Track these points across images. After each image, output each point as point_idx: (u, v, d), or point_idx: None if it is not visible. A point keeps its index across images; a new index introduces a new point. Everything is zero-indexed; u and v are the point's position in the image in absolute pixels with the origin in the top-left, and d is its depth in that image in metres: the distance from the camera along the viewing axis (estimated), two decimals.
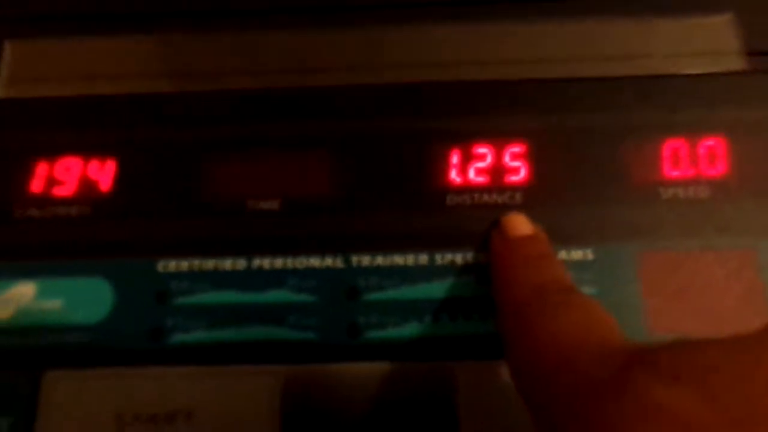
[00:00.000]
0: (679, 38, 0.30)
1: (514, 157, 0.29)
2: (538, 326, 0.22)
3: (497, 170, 0.29)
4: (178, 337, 0.26)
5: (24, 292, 0.27)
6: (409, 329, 0.26)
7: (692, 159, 0.28)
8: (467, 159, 0.29)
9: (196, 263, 0.27)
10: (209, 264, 0.27)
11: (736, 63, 0.30)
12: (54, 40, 0.32)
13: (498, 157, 0.29)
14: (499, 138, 0.29)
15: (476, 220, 0.28)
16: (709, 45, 0.30)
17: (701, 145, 0.28)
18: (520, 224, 0.27)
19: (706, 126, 0.29)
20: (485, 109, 0.29)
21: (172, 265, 0.27)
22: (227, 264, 0.27)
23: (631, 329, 0.25)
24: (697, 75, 0.29)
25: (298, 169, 0.28)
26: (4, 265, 0.27)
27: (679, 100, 0.29)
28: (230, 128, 0.29)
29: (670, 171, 0.28)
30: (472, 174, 0.29)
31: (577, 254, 0.27)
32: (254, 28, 0.31)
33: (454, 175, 0.29)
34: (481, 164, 0.29)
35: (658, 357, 0.18)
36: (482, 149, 0.29)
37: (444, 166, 0.29)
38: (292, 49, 0.30)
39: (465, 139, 0.29)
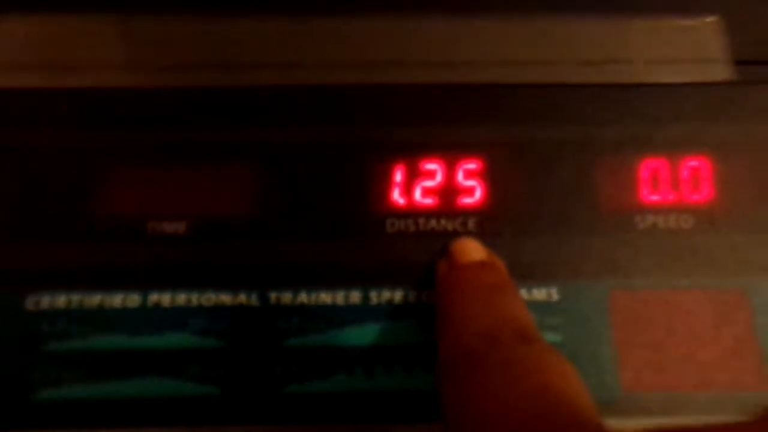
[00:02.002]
0: (661, 42, 0.27)
1: (468, 174, 0.25)
2: (482, 388, 0.17)
3: (448, 191, 0.24)
4: (49, 393, 0.21)
5: None
6: (337, 383, 0.22)
7: (673, 182, 0.24)
8: (413, 176, 0.24)
9: (76, 299, 0.22)
10: (93, 300, 0.22)
11: (723, 72, 0.26)
12: None
13: (449, 174, 0.24)
14: (451, 152, 0.24)
15: (420, 250, 0.23)
16: (693, 51, 0.26)
17: (684, 165, 0.25)
18: (472, 249, 0.22)
19: (689, 144, 0.25)
20: (436, 118, 0.25)
21: (44, 301, 0.22)
22: (116, 300, 0.22)
23: (603, 387, 0.22)
24: (681, 84, 0.25)
25: (210, 185, 0.24)
26: None
27: (660, 113, 0.25)
28: (128, 132, 0.24)
29: (649, 195, 0.24)
30: (418, 195, 0.24)
31: (539, 293, 0.23)
32: (169, 11, 0.25)
33: (396, 196, 0.24)
34: (429, 183, 0.24)
35: None
36: (431, 165, 0.25)
37: (385, 185, 0.24)
38: (214, 42, 0.25)
39: (411, 152, 0.24)
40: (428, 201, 0.24)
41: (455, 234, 0.23)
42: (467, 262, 0.22)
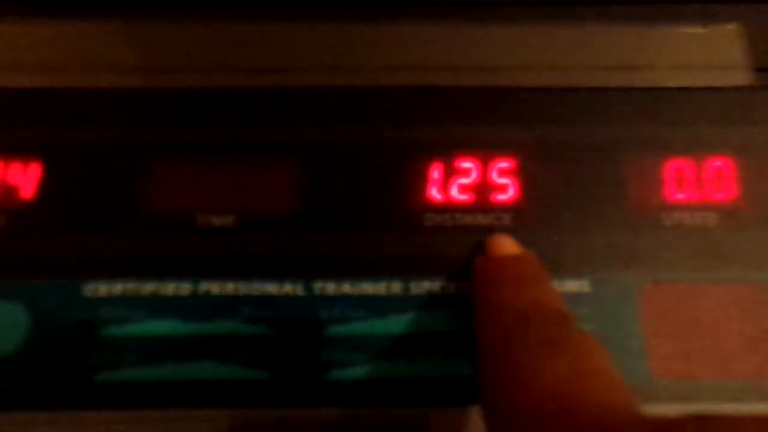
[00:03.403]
0: (683, 49, 0.28)
1: (502, 173, 0.26)
2: (518, 367, 0.18)
3: (483, 188, 0.25)
4: (106, 375, 0.22)
5: None
6: (378, 369, 0.23)
7: (698, 181, 0.26)
8: (449, 174, 0.26)
9: (131, 287, 0.23)
10: (147, 288, 0.23)
11: (743, 78, 0.28)
12: None
13: (484, 172, 0.26)
14: (485, 151, 0.26)
15: (458, 243, 0.24)
16: (715, 57, 0.28)
17: (708, 165, 0.26)
18: (507, 244, 0.24)
19: (712, 145, 0.26)
20: (472, 119, 0.26)
21: (101, 288, 0.23)
22: (169, 288, 0.23)
23: (633, 374, 0.23)
24: (704, 88, 0.26)
25: (258, 181, 0.25)
26: None
27: (684, 116, 0.26)
28: (180, 130, 0.25)
29: (674, 194, 0.25)
30: (454, 191, 0.25)
31: (571, 285, 0.24)
32: (222, 18, 0.27)
33: (434, 192, 0.25)
34: (465, 180, 0.26)
35: None
36: (467, 163, 0.26)
37: (423, 182, 0.25)
38: (260, 46, 0.26)
39: (448, 150, 0.26)
40: (464, 197, 0.25)
41: (490, 229, 0.25)
42: (502, 255, 0.23)
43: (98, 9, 0.27)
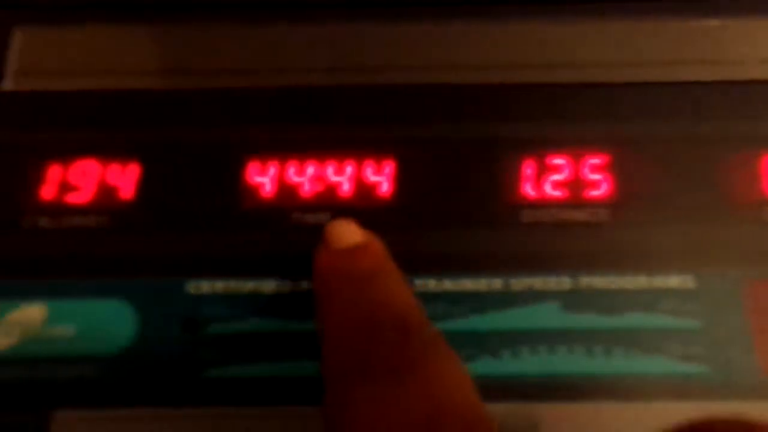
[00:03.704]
0: None
1: (595, 169, 0.25)
2: (366, 406, 0.16)
3: (576, 184, 0.25)
4: (213, 372, 0.23)
5: (32, 315, 0.23)
6: (485, 366, 0.23)
7: None
8: (542, 170, 0.25)
9: (232, 285, 0.24)
10: (248, 286, 0.24)
11: None
12: (69, 27, 0.28)
13: (576, 168, 0.25)
14: (578, 147, 0.25)
15: (555, 239, 0.24)
16: None
17: None
18: (348, 233, 0.21)
19: None
20: (564, 115, 0.26)
21: (204, 286, 0.24)
22: (269, 286, 0.24)
23: (741, 369, 0.22)
24: None
25: (353, 178, 0.25)
26: (10, 283, 0.23)
27: None
28: (277, 128, 0.25)
29: None
30: (548, 187, 0.25)
31: (674, 281, 0.23)
32: (316, 18, 0.27)
33: (528, 189, 0.25)
34: (557, 176, 0.25)
35: None
36: (559, 160, 0.25)
37: (517, 178, 0.25)
38: (356, 45, 0.26)
39: (540, 147, 0.25)
40: (558, 193, 0.25)
41: (587, 225, 0.24)
42: (341, 247, 0.21)
43: (186, 12, 0.28)
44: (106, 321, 0.23)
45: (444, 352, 0.18)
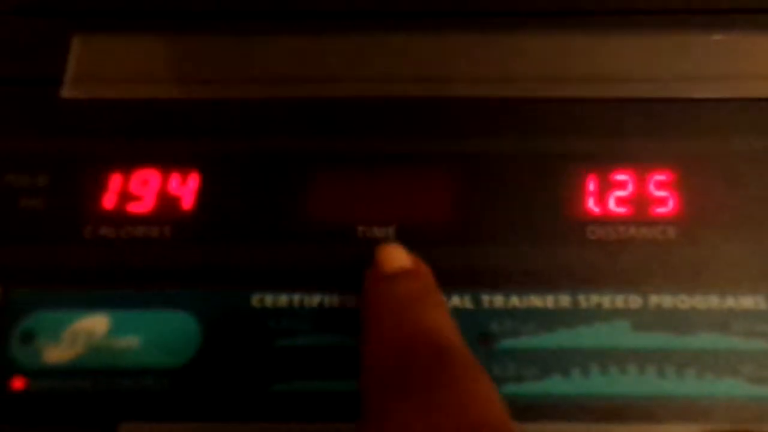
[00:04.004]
0: None
1: (660, 185, 0.25)
2: (399, 422, 0.17)
3: (640, 200, 0.25)
4: (278, 386, 0.22)
5: (95, 326, 0.23)
6: (552, 385, 0.22)
7: None
8: (605, 186, 0.25)
9: (297, 298, 0.23)
10: (313, 300, 0.23)
11: None
12: (129, 35, 0.28)
13: (641, 185, 0.25)
14: (642, 164, 0.25)
15: (623, 256, 0.24)
16: None
17: None
18: (397, 257, 0.22)
19: None
20: (628, 131, 0.26)
21: (268, 299, 0.23)
22: (335, 300, 0.23)
23: None
24: None
25: (418, 192, 0.25)
26: (72, 293, 0.23)
27: None
28: (339, 140, 0.25)
29: None
30: (612, 204, 0.25)
31: (746, 302, 0.23)
32: (379, 29, 0.27)
33: (591, 204, 0.25)
34: (621, 193, 0.25)
35: None
36: (622, 176, 0.25)
37: (581, 194, 0.25)
38: (418, 56, 0.26)
39: (603, 162, 0.25)
40: (622, 210, 0.25)
41: (654, 242, 0.24)
42: (390, 270, 0.21)
43: (247, 22, 0.28)
44: (171, 333, 0.23)
45: (480, 376, 0.18)
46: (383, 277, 0.21)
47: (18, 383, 0.22)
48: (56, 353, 0.22)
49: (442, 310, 0.21)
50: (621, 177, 0.25)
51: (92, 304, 0.23)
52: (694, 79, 0.26)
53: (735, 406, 0.22)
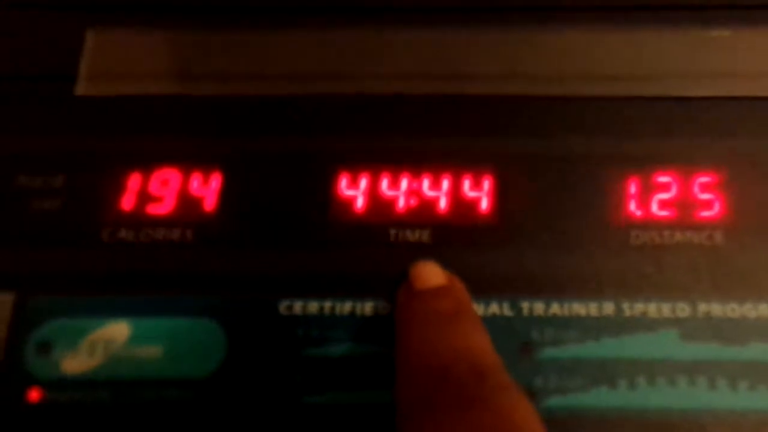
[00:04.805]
0: None
1: (704, 188, 0.24)
2: None
3: (685, 203, 0.24)
4: (309, 398, 0.21)
5: (114, 334, 0.22)
6: (598, 397, 0.21)
7: None
8: (648, 189, 0.24)
9: (328, 305, 0.22)
10: (346, 307, 0.22)
11: None
12: (146, 29, 0.27)
13: (685, 187, 0.24)
14: (686, 165, 0.24)
15: (667, 262, 0.23)
16: None
17: None
18: (431, 274, 0.22)
19: None
20: (671, 131, 0.24)
21: (296, 306, 0.22)
22: (368, 307, 0.22)
23: None
24: None
25: (452, 194, 0.24)
26: (91, 300, 0.22)
27: None
28: (371, 139, 0.24)
29: None
30: (655, 207, 0.24)
31: None
32: (392, 23, 0.26)
33: (634, 208, 0.24)
34: (665, 195, 0.24)
35: None
36: (665, 178, 0.24)
37: (624, 197, 0.24)
38: (442, 52, 0.25)
39: (646, 165, 0.24)
40: (665, 213, 0.24)
41: (701, 248, 0.23)
42: (424, 288, 0.21)
43: (267, 17, 0.27)
44: (195, 342, 0.21)
45: (516, 396, 0.18)
46: (418, 294, 0.21)
47: (34, 395, 0.21)
48: (74, 363, 0.21)
49: (478, 328, 0.20)
50: (664, 179, 0.24)
51: (112, 312, 0.22)
52: (739, 77, 0.25)
53: None
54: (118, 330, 0.22)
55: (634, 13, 0.25)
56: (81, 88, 0.26)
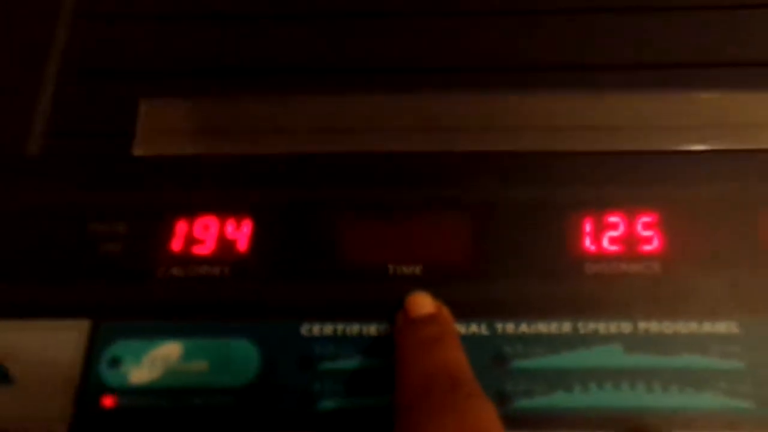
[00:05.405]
0: None
1: (646, 226, 0.29)
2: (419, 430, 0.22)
3: (630, 239, 0.29)
4: (324, 403, 0.26)
5: (170, 352, 0.27)
6: (558, 399, 0.26)
7: None
8: (600, 228, 0.29)
9: (340, 327, 0.28)
10: (353, 329, 0.28)
11: None
12: (189, 98, 0.32)
13: (630, 226, 0.29)
14: (631, 207, 0.29)
15: (614, 289, 0.28)
16: None
17: None
18: (423, 304, 0.27)
19: None
20: (617, 179, 0.30)
21: (315, 328, 0.28)
22: (372, 329, 0.28)
23: None
24: None
25: (440, 235, 0.29)
26: (150, 325, 0.28)
27: None
28: (373, 191, 0.30)
29: None
30: (605, 242, 0.29)
31: (720, 327, 0.27)
32: (395, 88, 0.32)
33: (588, 244, 0.29)
34: (614, 233, 0.29)
35: None
36: (614, 218, 0.29)
37: (579, 234, 0.29)
38: (422, 111, 0.31)
39: (597, 207, 0.29)
40: (614, 248, 0.29)
41: (642, 276, 0.28)
42: (417, 316, 0.27)
43: (291, 86, 0.32)
44: (234, 358, 0.27)
45: (484, 402, 0.23)
46: (411, 322, 0.27)
47: (108, 401, 0.26)
48: (139, 375, 0.27)
49: (458, 349, 0.26)
50: (613, 219, 0.30)
51: (167, 334, 0.27)
52: (675, 132, 0.31)
53: (712, 416, 0.26)
54: (172, 349, 0.27)
55: (589, 74, 0.31)
56: (138, 150, 0.31)
